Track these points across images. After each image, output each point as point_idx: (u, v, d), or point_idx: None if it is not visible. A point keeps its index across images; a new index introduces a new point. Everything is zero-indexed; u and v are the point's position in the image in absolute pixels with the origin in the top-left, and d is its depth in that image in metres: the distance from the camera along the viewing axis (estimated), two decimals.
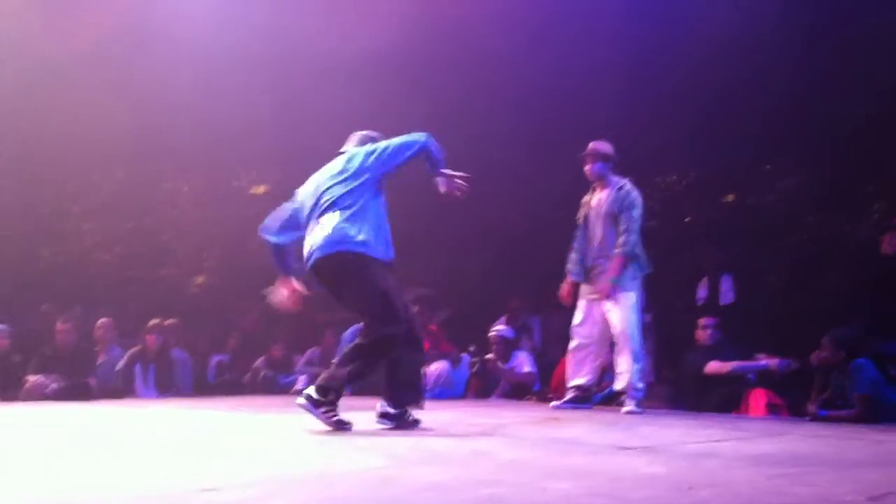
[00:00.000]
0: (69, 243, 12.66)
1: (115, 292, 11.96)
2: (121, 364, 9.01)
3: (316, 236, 4.84)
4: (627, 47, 8.90)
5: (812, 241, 9.81)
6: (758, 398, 6.96)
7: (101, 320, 9.57)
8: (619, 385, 6.38)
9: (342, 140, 5.30)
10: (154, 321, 9.24)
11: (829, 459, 3.77)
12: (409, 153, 4.99)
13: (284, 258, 5.23)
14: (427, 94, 9.80)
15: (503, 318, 9.52)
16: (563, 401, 6.61)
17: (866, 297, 7.48)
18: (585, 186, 6.90)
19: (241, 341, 10.53)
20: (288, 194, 5.21)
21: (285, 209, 5.17)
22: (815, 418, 6.02)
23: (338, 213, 4.81)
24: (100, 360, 9.18)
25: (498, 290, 10.22)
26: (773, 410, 6.86)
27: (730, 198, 10.78)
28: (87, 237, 12.91)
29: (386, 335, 4.75)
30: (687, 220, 10.79)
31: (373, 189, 4.93)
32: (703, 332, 7.63)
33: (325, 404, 4.56)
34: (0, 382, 8.37)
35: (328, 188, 4.91)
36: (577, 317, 6.60)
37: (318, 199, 4.92)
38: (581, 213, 6.74)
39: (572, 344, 6.64)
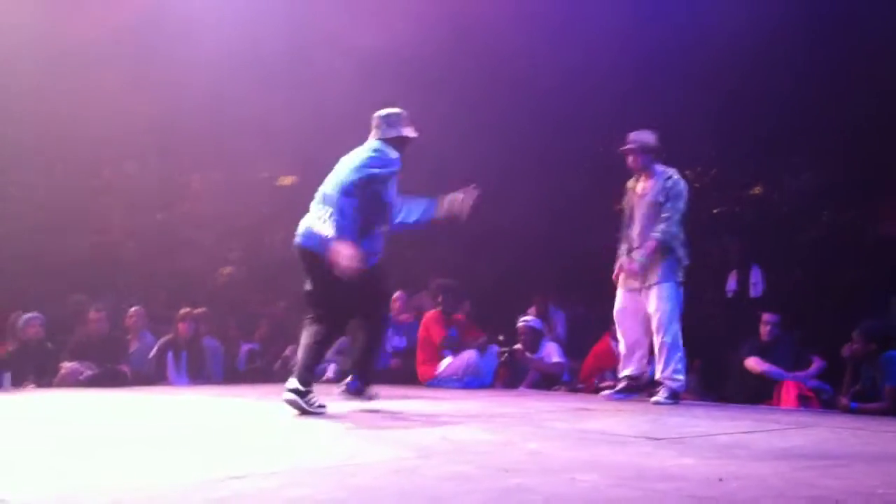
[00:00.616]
0: (98, 234, 12.79)
1: (143, 282, 12.07)
2: (154, 352, 9.11)
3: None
4: (651, 44, 8.86)
5: (834, 234, 9.72)
6: (789, 390, 6.92)
7: (133, 308, 9.67)
8: (657, 374, 6.35)
9: (364, 132, 5.32)
10: (185, 309, 9.32)
11: (860, 452, 3.74)
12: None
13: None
14: (447, 90, 9.80)
15: (532, 309, 9.51)
16: (614, 390, 6.60)
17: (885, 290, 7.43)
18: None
19: (270, 329, 10.60)
20: (314, 186, 5.20)
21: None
22: (847, 410, 5.97)
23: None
24: (132, 347, 9.28)
25: (523, 282, 10.21)
26: (804, 402, 6.81)
27: (756, 190, 10.70)
28: (116, 229, 13.04)
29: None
30: (715, 211, 10.72)
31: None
32: (763, 327, 7.54)
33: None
34: (35, 369, 8.49)
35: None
36: (617, 306, 6.58)
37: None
38: (625, 200, 6.67)
39: (618, 334, 6.65)
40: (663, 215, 6.31)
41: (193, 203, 13.14)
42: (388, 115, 5.30)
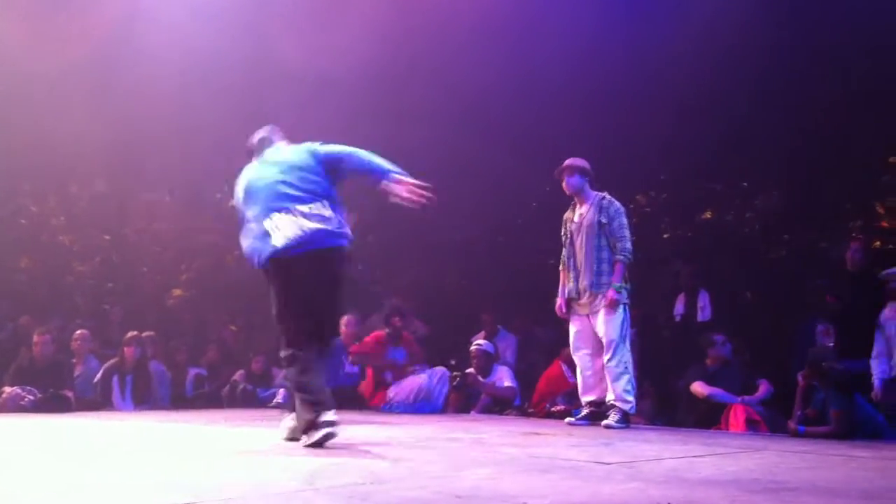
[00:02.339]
0: (48, 254, 12.59)
1: (92, 304, 11.88)
2: (98, 376, 8.93)
3: (304, 224, 4.57)
4: (604, 65, 8.95)
5: (788, 258, 9.89)
6: (737, 415, 6.99)
7: (78, 332, 9.49)
8: (608, 397, 6.38)
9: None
10: (132, 333, 9.17)
11: (807, 475, 3.79)
12: (357, 165, 4.85)
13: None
14: (401, 106, 9.84)
15: (482, 333, 9.53)
16: (578, 417, 6.62)
17: (838, 315, 7.54)
18: (560, 201, 6.93)
19: (220, 354, 10.47)
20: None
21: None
22: (795, 434, 6.05)
23: (317, 204, 4.65)
24: (77, 371, 9.09)
25: (477, 305, 10.24)
26: (752, 426, 6.89)
27: (707, 215, 10.87)
28: (66, 248, 12.85)
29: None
30: (665, 236, 10.86)
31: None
32: (712, 349, 7.60)
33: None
34: None
35: (284, 181, 4.71)
36: (573, 333, 6.66)
37: (274, 191, 4.69)
38: (565, 230, 6.80)
39: (577, 361, 6.68)
40: (616, 234, 6.41)
41: (145, 224, 12.99)
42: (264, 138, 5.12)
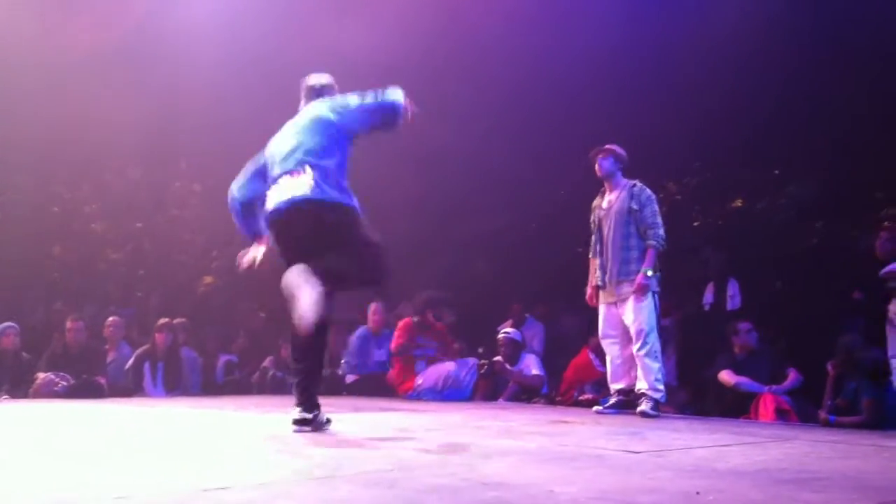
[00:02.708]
0: (80, 242, 12.74)
1: (125, 291, 12.01)
2: (130, 362, 9.04)
3: (297, 184, 4.57)
4: (636, 52, 8.91)
5: (819, 246, 9.78)
6: (766, 404, 6.94)
7: (111, 319, 9.61)
8: (638, 385, 6.37)
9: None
10: (163, 320, 9.28)
11: (838, 465, 3.76)
12: (382, 118, 4.82)
13: (254, 217, 4.98)
14: (435, 96, 9.81)
15: (510, 321, 9.53)
16: (606, 406, 6.62)
17: (867, 304, 7.46)
18: (590, 190, 6.91)
19: (249, 341, 10.56)
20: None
21: (256, 161, 4.99)
22: (826, 424, 6.00)
23: (315, 167, 4.60)
24: (109, 358, 9.21)
25: (506, 293, 10.23)
26: (782, 416, 6.84)
27: (738, 202, 10.77)
28: (98, 236, 12.99)
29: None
30: (695, 224, 10.79)
31: (345, 145, 4.76)
32: (736, 337, 7.56)
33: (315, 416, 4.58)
34: (10, 380, 8.41)
35: (300, 142, 4.70)
36: (601, 322, 6.65)
37: (291, 152, 4.69)
38: (594, 217, 6.77)
39: (605, 349, 6.68)
40: (647, 221, 6.38)
41: (177, 212, 13.11)
42: (317, 86, 5.04)
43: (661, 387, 6.33)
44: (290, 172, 4.61)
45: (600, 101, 9.34)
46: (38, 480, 3.07)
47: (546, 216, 11.35)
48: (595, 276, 6.69)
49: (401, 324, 8.86)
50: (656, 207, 6.49)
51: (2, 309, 10.06)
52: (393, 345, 8.78)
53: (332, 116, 4.73)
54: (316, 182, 4.53)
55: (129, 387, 8.88)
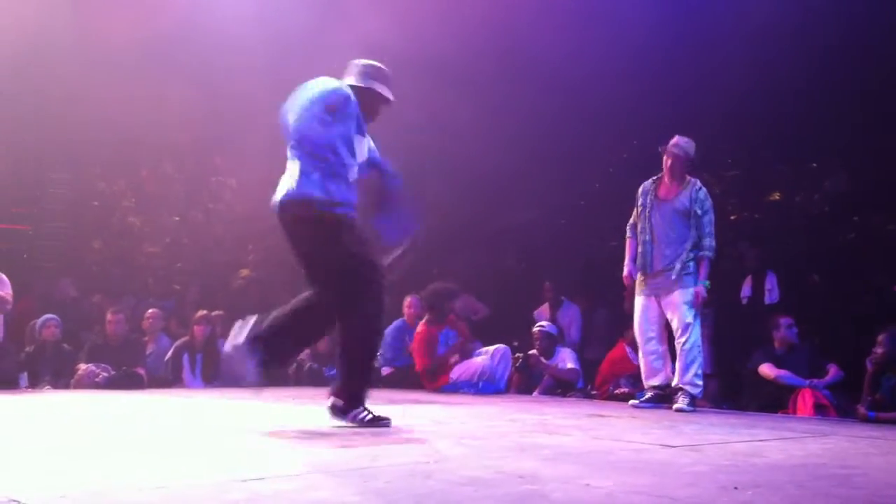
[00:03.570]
0: (119, 236, 12.92)
1: (163, 284, 12.16)
2: (169, 354, 9.15)
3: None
4: (670, 45, 8.84)
5: (857, 240, 9.66)
6: (805, 399, 6.88)
7: (150, 311, 9.72)
8: (676, 380, 6.33)
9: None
10: (201, 312, 9.37)
11: (878, 461, 3.72)
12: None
13: None
14: (469, 88, 9.83)
15: (546, 305, 9.51)
16: (642, 400, 6.57)
17: None
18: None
19: None
20: None
21: None
22: (865, 419, 5.93)
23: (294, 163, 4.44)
24: (148, 349, 9.32)
25: (538, 288, 10.22)
26: (820, 411, 6.77)
27: (775, 196, 10.66)
28: (136, 230, 13.17)
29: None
30: (732, 217, 10.70)
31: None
32: (777, 331, 7.49)
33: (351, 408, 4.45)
34: (52, 371, 8.55)
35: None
36: (638, 314, 6.56)
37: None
38: (643, 201, 6.57)
39: (641, 343, 6.60)
40: (704, 230, 6.29)
41: (213, 206, 13.24)
42: (365, 66, 4.73)
43: (700, 382, 6.27)
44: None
45: (634, 94, 9.28)
46: (79, 470, 3.12)
47: (578, 209, 11.32)
48: (628, 263, 6.60)
49: (418, 338, 8.64)
50: (713, 216, 6.38)
51: (43, 301, 10.25)
52: (419, 364, 8.61)
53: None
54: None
55: (167, 378, 8.99)
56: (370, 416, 4.45)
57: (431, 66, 9.50)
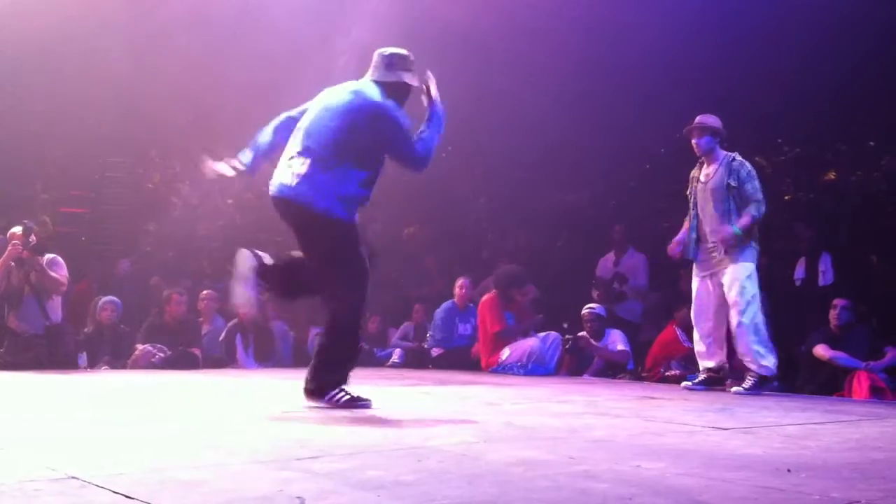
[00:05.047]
0: (175, 219, 13.11)
1: (218, 266, 12.32)
2: (223, 335, 9.30)
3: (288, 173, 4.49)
4: (726, 23, 8.71)
5: None
6: (861, 381, 6.78)
7: (205, 292, 9.87)
8: (744, 360, 6.24)
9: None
10: None
11: None
12: (409, 154, 4.51)
13: (262, 154, 4.81)
14: (523, 70, 9.78)
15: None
16: (695, 382, 6.53)
17: None
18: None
19: None
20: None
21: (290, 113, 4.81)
22: None
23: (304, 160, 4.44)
24: (204, 330, 9.48)
25: (587, 270, 10.16)
26: (877, 394, 6.67)
27: (831, 176, 10.47)
28: (190, 212, 13.35)
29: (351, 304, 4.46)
30: (786, 198, 10.53)
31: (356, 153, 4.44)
32: (833, 311, 7.38)
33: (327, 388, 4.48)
34: (110, 351, 8.75)
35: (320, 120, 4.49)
36: (693, 298, 6.53)
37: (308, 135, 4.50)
38: (690, 189, 6.62)
39: (696, 325, 6.55)
40: (751, 199, 6.20)
41: (266, 188, 13.38)
42: (390, 56, 4.64)
43: (768, 362, 6.11)
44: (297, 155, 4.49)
45: (688, 72, 9.16)
46: (136, 448, 3.21)
47: (629, 190, 11.22)
48: (687, 245, 6.53)
49: (487, 302, 8.79)
50: (757, 183, 6.26)
51: (101, 283, 10.47)
52: (495, 327, 8.67)
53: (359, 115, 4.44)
54: (306, 176, 4.40)
55: (222, 358, 9.15)
56: (347, 396, 4.47)
57: (480, 39, 9.46)
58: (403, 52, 4.66)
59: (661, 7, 8.77)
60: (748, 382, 6.08)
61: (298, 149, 4.49)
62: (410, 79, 4.61)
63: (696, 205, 6.52)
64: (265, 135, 4.80)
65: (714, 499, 2.35)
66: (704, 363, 6.50)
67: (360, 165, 4.42)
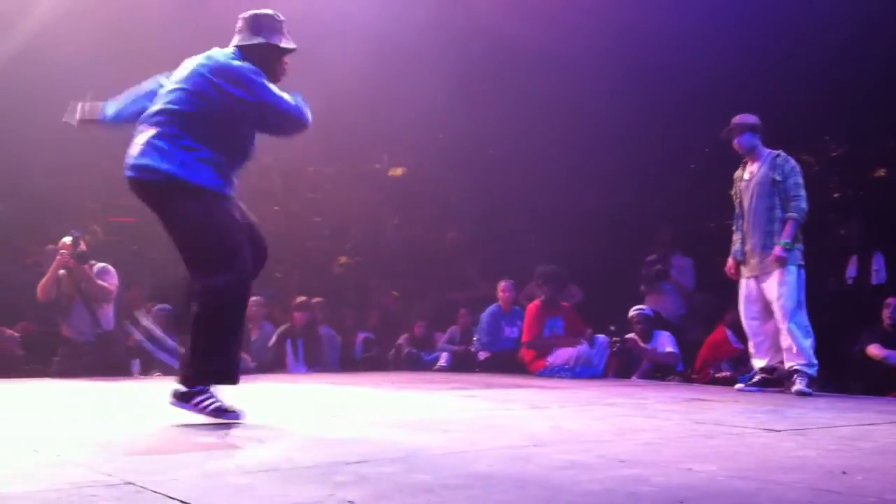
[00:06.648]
0: None
1: (264, 272, 12.44)
2: (272, 340, 9.40)
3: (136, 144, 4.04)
4: (770, 20, 8.61)
5: None
6: None
7: (253, 298, 9.94)
8: (786, 363, 6.19)
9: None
10: (301, 299, 9.60)
11: None
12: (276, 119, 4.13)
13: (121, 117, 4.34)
14: (560, 66, 9.74)
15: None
16: (748, 383, 6.49)
17: None
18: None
19: (381, 319, 10.81)
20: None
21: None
22: None
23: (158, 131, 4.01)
24: (253, 336, 9.58)
25: (632, 272, 10.08)
26: None
27: (881, 172, 10.29)
28: None
29: (216, 287, 3.89)
30: (835, 195, 10.37)
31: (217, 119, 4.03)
32: (886, 310, 7.26)
33: (194, 395, 4.03)
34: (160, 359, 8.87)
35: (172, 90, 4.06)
36: (741, 297, 6.49)
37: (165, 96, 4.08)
38: (735, 189, 6.60)
39: (746, 326, 6.52)
40: (791, 194, 6.17)
41: (311, 195, 13.47)
42: (253, 17, 4.21)
43: (815, 362, 6.09)
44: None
45: (733, 72, 9.07)
46: (189, 452, 3.25)
47: (674, 191, 11.12)
48: (734, 249, 6.53)
49: (530, 310, 8.83)
50: (800, 179, 6.24)
51: (152, 291, 10.62)
52: (525, 336, 8.75)
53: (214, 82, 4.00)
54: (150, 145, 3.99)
55: (271, 363, 9.24)
56: (215, 404, 4.04)
57: (515, 36, 9.44)
58: (269, 11, 4.23)
59: (702, 9, 8.70)
60: (804, 382, 6.01)
61: (148, 119, 4.09)
62: (280, 41, 4.18)
63: (740, 205, 6.50)
64: (137, 99, 4.32)
65: (767, 501, 2.33)
66: (757, 363, 6.45)
67: (215, 131, 4.03)
